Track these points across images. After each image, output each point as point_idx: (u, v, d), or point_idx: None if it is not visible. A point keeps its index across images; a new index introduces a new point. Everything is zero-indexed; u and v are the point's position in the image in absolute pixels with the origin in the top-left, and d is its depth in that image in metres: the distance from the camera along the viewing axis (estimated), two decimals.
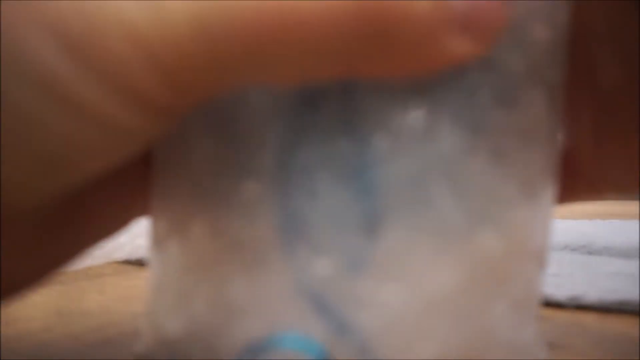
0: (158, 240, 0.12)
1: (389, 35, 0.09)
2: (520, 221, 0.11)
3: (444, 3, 0.09)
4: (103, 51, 0.08)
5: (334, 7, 0.08)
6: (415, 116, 0.10)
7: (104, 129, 0.09)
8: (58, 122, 0.09)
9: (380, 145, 0.10)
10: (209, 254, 0.11)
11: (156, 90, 0.09)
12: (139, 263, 0.31)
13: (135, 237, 0.30)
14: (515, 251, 0.11)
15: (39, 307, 0.22)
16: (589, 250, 0.34)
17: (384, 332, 0.10)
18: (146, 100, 0.09)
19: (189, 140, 0.12)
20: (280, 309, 0.11)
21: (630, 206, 0.65)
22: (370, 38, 0.09)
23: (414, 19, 0.09)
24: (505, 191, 0.11)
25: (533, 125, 0.11)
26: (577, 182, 0.15)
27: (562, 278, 0.25)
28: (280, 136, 0.11)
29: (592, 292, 0.22)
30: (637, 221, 0.42)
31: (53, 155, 0.09)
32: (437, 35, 0.09)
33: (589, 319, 0.20)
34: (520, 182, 0.11)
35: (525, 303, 0.12)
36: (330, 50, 0.09)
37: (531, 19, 0.11)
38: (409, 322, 0.11)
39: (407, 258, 0.11)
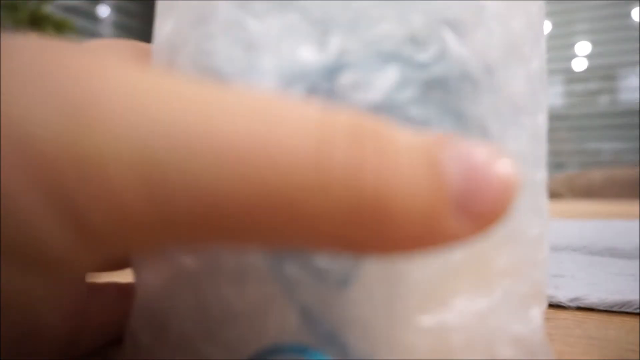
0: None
1: (386, 222, 0.08)
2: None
3: (441, 184, 0.08)
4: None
5: (328, 201, 0.08)
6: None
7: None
8: None
9: None
10: (198, 264, 0.11)
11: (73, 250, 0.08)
12: None
13: None
14: (505, 238, 0.11)
15: None
16: (590, 250, 0.34)
17: (372, 334, 0.10)
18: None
19: None
20: (268, 319, 0.10)
21: (631, 206, 0.65)
22: (364, 226, 0.08)
23: (411, 207, 0.08)
24: None
25: (516, 106, 0.11)
26: None
27: (564, 279, 0.25)
28: None
29: (594, 293, 0.22)
30: (638, 222, 0.42)
31: None
32: (434, 218, 0.08)
33: (590, 320, 0.20)
34: None
35: (522, 295, 0.12)
36: (321, 233, 0.08)
37: (511, 12, 0.11)
38: (399, 320, 0.10)
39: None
